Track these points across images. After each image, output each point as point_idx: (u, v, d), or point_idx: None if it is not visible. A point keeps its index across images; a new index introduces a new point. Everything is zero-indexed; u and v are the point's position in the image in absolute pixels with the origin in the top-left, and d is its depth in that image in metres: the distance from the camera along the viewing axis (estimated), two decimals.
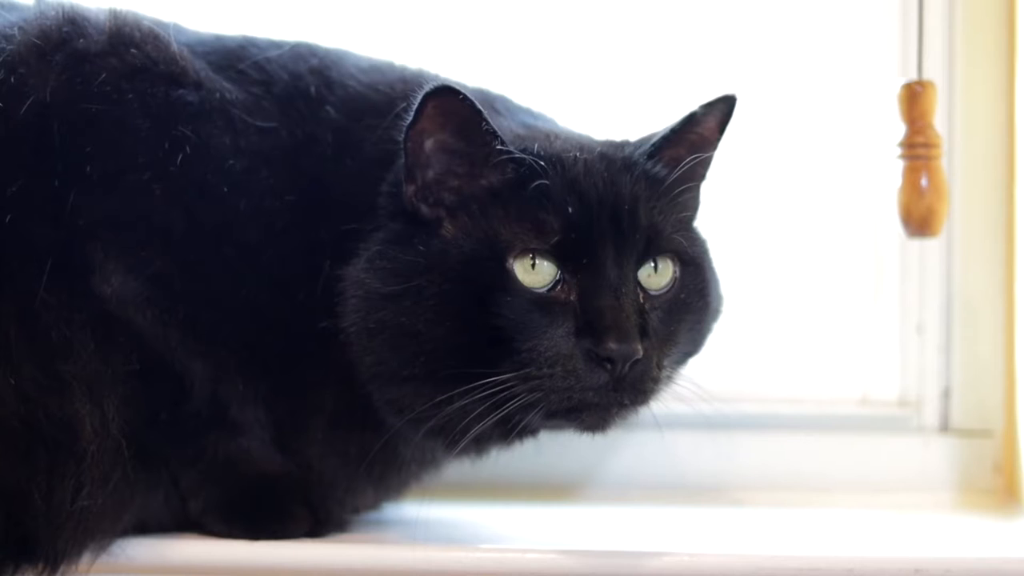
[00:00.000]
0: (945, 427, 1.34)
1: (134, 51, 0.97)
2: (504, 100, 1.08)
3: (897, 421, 1.35)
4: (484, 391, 0.92)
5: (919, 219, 1.11)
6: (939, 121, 1.17)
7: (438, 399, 0.94)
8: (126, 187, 0.94)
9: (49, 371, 0.91)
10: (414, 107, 0.93)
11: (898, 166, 1.14)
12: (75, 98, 0.94)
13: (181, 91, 0.97)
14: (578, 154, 0.98)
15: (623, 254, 0.95)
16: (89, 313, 0.93)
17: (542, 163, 0.95)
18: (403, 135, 0.94)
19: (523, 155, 0.95)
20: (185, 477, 1.00)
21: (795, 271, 1.40)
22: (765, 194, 1.39)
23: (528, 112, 1.09)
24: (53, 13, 0.97)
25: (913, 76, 1.14)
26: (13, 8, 1.00)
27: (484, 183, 0.96)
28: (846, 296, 1.38)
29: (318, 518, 1.01)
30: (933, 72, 1.26)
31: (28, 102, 0.93)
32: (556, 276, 0.94)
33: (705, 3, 1.39)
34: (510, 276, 0.94)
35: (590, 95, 1.37)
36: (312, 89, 1.02)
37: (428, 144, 0.95)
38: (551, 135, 1.02)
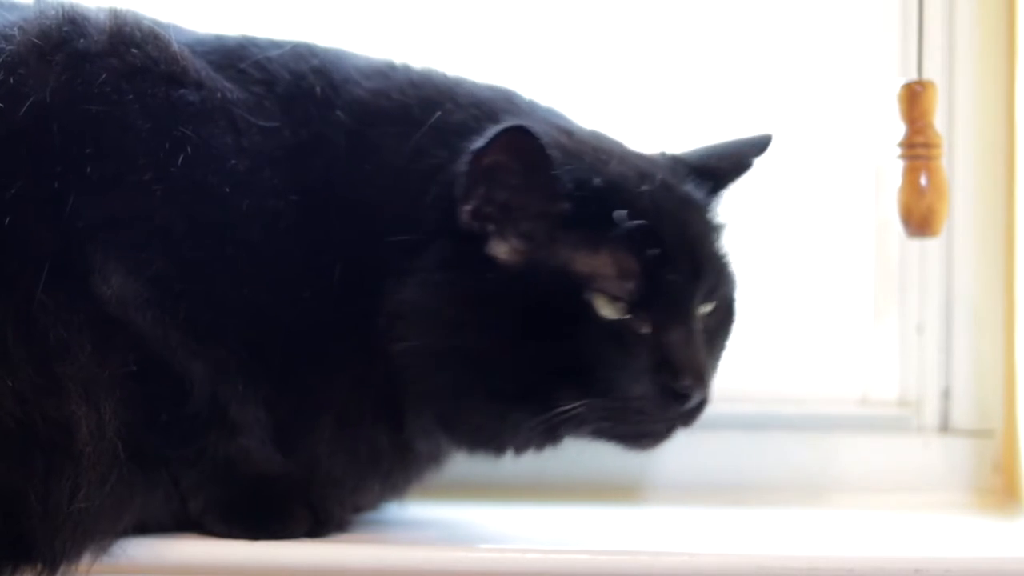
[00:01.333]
0: (945, 427, 1.34)
1: (135, 51, 0.97)
2: (531, 103, 1.08)
3: (897, 421, 1.35)
4: (551, 417, 0.94)
5: (919, 219, 1.11)
6: (939, 121, 1.16)
7: (496, 419, 0.97)
8: (126, 188, 0.94)
9: (46, 373, 0.90)
10: (488, 136, 0.94)
11: (898, 166, 1.14)
12: (75, 99, 0.93)
13: (182, 91, 0.97)
14: (644, 185, 0.99)
15: (696, 291, 0.98)
16: (87, 314, 0.92)
17: (610, 197, 0.96)
18: (469, 157, 0.95)
19: (587, 193, 0.95)
20: (185, 477, 0.99)
21: (795, 271, 1.40)
22: (765, 194, 1.39)
23: (549, 111, 1.09)
24: (53, 13, 0.97)
25: (913, 76, 1.14)
26: (13, 8, 0.99)
27: (552, 212, 0.96)
28: (846, 296, 1.38)
29: (318, 519, 1.00)
30: (933, 72, 1.26)
31: (28, 103, 0.92)
32: (631, 311, 0.95)
33: (704, 3, 1.39)
34: (585, 307, 0.95)
35: (589, 93, 1.37)
36: (317, 89, 1.02)
37: (495, 172, 0.95)
38: (600, 152, 1.02)
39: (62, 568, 0.92)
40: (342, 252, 0.98)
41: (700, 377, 0.96)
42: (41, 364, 0.90)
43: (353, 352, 0.98)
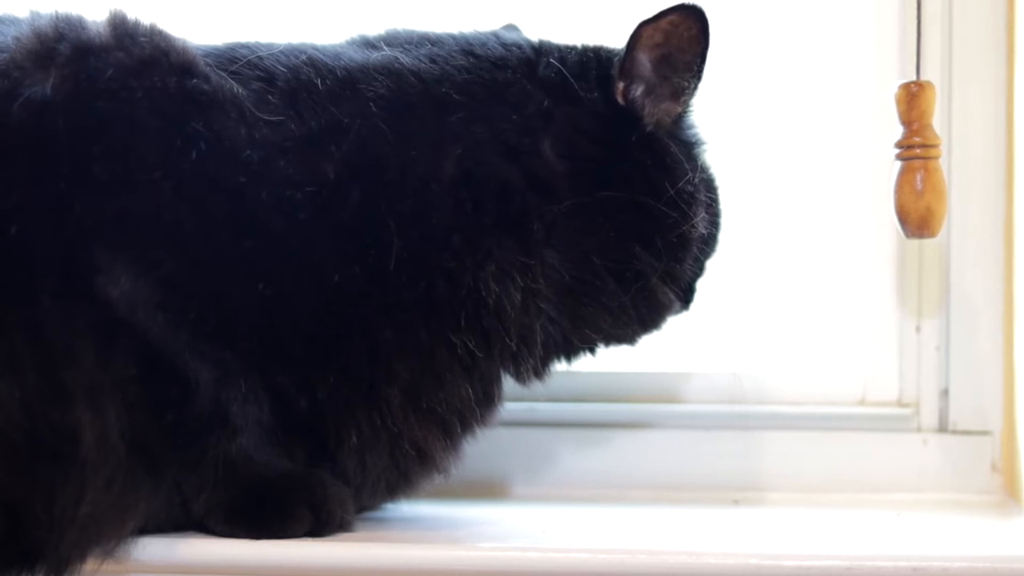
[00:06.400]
0: (944, 427, 1.35)
1: (143, 40, 0.96)
2: None
3: (896, 421, 1.35)
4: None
5: (918, 220, 1.11)
6: (938, 121, 1.17)
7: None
8: (136, 187, 0.93)
9: (52, 380, 0.90)
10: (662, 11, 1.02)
11: (896, 166, 1.14)
12: (80, 95, 0.93)
13: (195, 80, 0.96)
14: None
15: None
16: (92, 318, 0.92)
17: None
18: (636, 29, 1.03)
19: None
20: (188, 480, 0.99)
21: (794, 271, 1.41)
22: (763, 195, 1.39)
23: None
24: (47, 16, 0.97)
25: (911, 76, 1.14)
26: (15, 22, 0.99)
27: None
28: (845, 296, 1.38)
29: (320, 519, 1.00)
30: (931, 72, 1.27)
31: (23, 100, 0.91)
32: None
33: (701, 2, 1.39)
34: None
35: None
36: (318, 82, 1.00)
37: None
38: None
39: (67, 573, 0.92)
40: (396, 221, 0.97)
41: None
42: (47, 371, 0.90)
43: (391, 342, 0.98)
